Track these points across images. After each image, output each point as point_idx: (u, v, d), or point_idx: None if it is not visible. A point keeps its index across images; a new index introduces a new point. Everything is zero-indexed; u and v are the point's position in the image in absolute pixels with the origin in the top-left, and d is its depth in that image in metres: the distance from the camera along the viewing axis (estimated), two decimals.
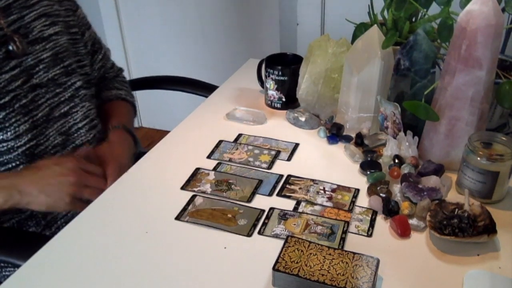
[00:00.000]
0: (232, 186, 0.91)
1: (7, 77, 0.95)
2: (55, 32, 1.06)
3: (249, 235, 0.79)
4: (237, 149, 1.02)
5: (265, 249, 0.76)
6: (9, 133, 0.96)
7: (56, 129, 1.04)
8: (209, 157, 1.00)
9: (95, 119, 1.14)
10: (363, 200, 0.87)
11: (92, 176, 0.98)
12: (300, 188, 0.90)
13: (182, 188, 0.91)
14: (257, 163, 0.98)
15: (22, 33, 0.99)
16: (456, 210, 0.78)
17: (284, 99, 1.16)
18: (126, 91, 1.28)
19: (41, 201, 0.93)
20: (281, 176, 0.94)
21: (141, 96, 2.63)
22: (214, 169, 0.96)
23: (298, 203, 0.86)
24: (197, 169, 0.96)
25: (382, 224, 0.81)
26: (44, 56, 1.02)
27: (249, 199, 0.87)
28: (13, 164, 0.98)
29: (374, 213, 0.83)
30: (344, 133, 1.04)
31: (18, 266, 0.75)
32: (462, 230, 0.75)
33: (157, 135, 2.63)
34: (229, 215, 0.83)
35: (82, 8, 1.20)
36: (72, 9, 1.15)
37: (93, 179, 0.98)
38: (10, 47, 0.96)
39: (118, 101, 1.24)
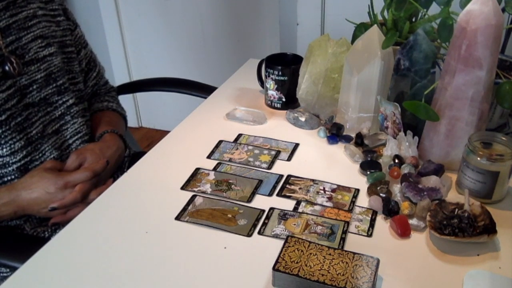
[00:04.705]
0: (232, 186, 0.91)
1: (4, 96, 0.97)
2: (49, 53, 1.07)
3: (249, 235, 0.79)
4: (237, 149, 1.02)
5: (265, 249, 0.76)
6: (4, 150, 0.97)
7: (52, 145, 1.06)
8: (209, 157, 1.00)
9: (88, 133, 1.15)
10: (363, 200, 0.87)
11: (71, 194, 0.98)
12: (300, 188, 0.90)
13: (182, 188, 0.91)
14: (257, 163, 0.98)
15: (19, 53, 1.01)
16: (456, 210, 0.78)
17: (284, 99, 1.16)
18: (117, 105, 1.30)
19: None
20: (281, 176, 0.94)
21: (141, 96, 2.63)
22: (214, 169, 0.96)
23: (298, 203, 0.86)
24: (197, 169, 0.96)
25: (382, 224, 0.81)
26: (38, 77, 1.04)
27: (249, 199, 0.87)
28: (8, 178, 1.00)
29: (374, 213, 0.83)
30: (344, 133, 1.04)
31: (14, 268, 0.75)
32: (462, 230, 0.75)
33: (157, 135, 2.63)
34: (229, 215, 0.83)
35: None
36: (70, 29, 1.16)
37: (72, 197, 0.98)
38: (7, 68, 0.97)
39: (109, 111, 1.25)
